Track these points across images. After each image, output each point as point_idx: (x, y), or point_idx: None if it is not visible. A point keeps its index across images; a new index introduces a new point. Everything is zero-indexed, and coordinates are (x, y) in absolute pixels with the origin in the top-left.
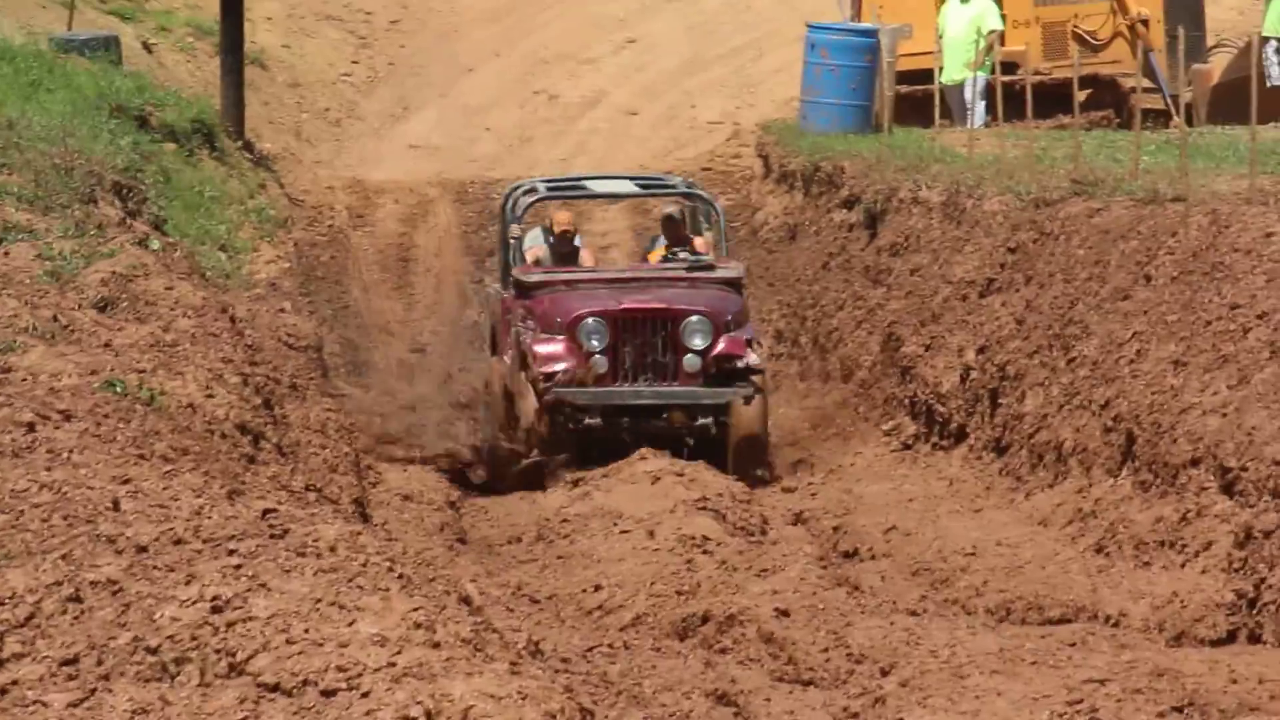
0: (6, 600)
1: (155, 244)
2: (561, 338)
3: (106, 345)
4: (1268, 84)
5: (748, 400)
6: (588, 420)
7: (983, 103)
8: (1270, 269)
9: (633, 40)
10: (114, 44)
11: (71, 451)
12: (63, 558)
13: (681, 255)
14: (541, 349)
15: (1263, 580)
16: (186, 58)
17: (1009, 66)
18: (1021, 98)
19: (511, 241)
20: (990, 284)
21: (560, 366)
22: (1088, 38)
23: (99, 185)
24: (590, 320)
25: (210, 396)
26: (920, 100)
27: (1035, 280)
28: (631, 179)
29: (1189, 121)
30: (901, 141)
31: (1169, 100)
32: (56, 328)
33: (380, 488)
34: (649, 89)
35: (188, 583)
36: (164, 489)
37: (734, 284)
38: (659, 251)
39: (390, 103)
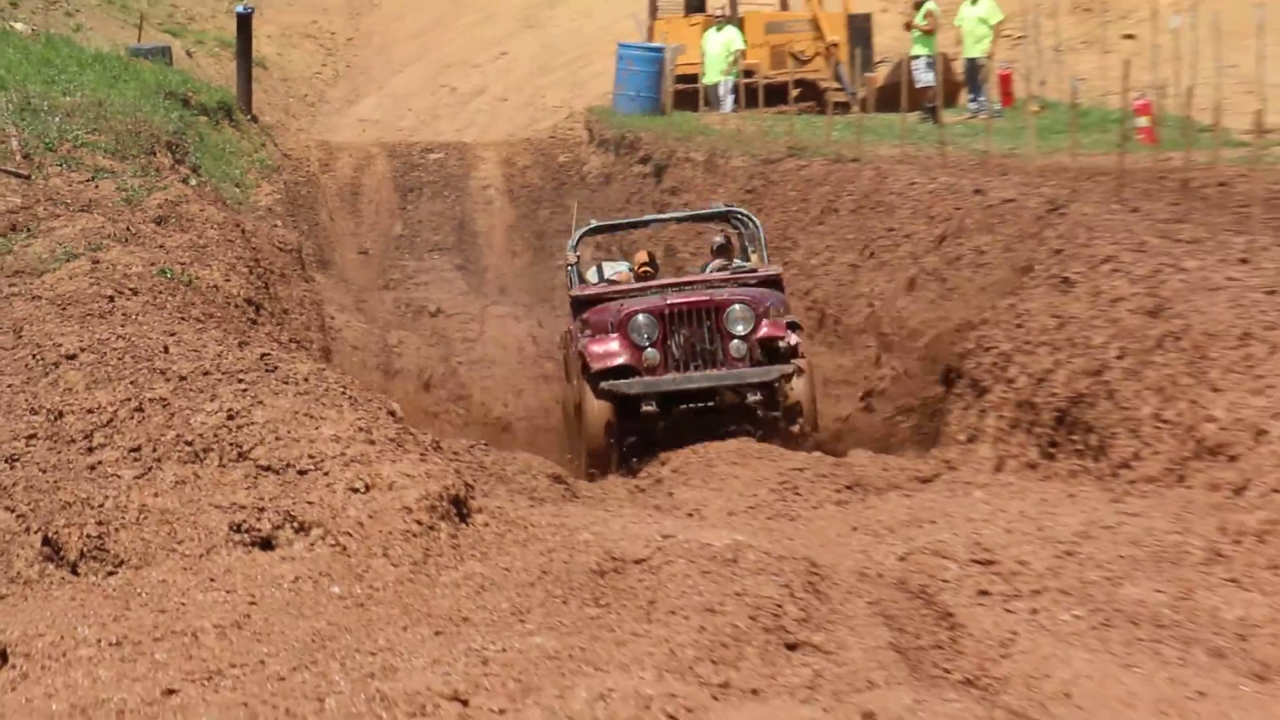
0: (95, 409)
1: (193, 182)
2: (615, 335)
3: (161, 246)
4: (915, 85)
5: (788, 377)
6: (644, 408)
7: (731, 96)
8: (913, 205)
9: (505, 53)
10: (167, 52)
11: (137, 314)
12: (131, 383)
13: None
14: (595, 348)
15: (902, 408)
16: (214, 61)
17: (748, 73)
18: (755, 93)
19: (569, 269)
20: None
21: (614, 363)
22: (799, 55)
23: (157, 143)
24: (640, 317)
25: (228, 280)
26: (690, 94)
27: (763, 211)
28: (678, 211)
29: (863, 109)
30: (678, 121)
31: (851, 96)
32: (128, 234)
33: (339, 341)
34: (515, 84)
35: (212, 400)
36: (197, 339)
37: (772, 281)
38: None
39: (346, 92)
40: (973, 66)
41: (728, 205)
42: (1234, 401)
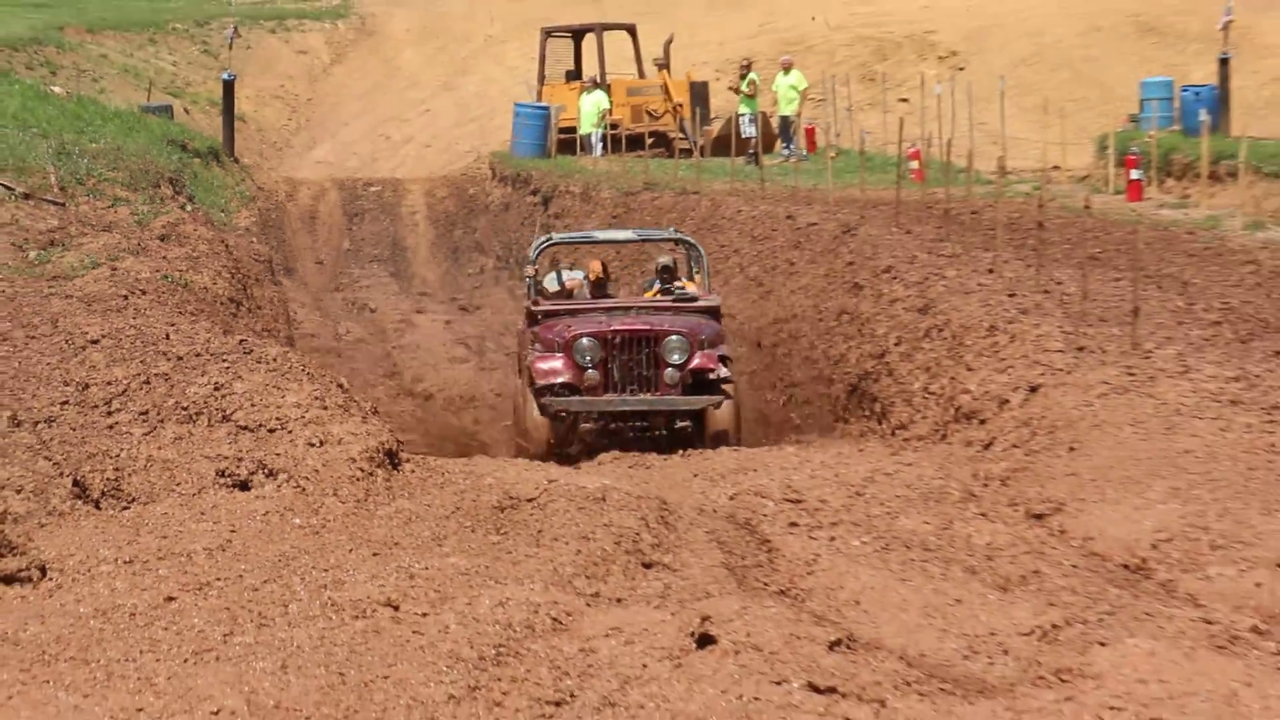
0: (113, 381)
1: (188, 208)
2: (560, 355)
3: (164, 257)
4: (741, 136)
5: (718, 406)
6: (583, 424)
7: (600, 144)
8: (740, 227)
9: (428, 109)
10: (169, 110)
11: (146, 309)
12: (141, 361)
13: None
14: (541, 365)
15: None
16: (205, 116)
17: (614, 126)
18: (619, 141)
19: (527, 281)
20: None
21: (557, 380)
22: (652, 112)
23: (161, 178)
24: (584, 340)
25: (215, 283)
26: (569, 142)
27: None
28: (630, 230)
29: (701, 155)
30: (560, 162)
31: (693, 144)
32: (138, 248)
33: (300, 330)
34: (436, 134)
35: (202, 375)
36: (191, 328)
37: (711, 312)
38: (653, 292)
39: (307, 140)
40: (785, 122)
41: (678, 231)
42: (983, 378)
